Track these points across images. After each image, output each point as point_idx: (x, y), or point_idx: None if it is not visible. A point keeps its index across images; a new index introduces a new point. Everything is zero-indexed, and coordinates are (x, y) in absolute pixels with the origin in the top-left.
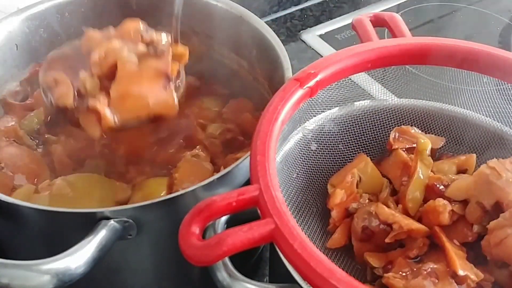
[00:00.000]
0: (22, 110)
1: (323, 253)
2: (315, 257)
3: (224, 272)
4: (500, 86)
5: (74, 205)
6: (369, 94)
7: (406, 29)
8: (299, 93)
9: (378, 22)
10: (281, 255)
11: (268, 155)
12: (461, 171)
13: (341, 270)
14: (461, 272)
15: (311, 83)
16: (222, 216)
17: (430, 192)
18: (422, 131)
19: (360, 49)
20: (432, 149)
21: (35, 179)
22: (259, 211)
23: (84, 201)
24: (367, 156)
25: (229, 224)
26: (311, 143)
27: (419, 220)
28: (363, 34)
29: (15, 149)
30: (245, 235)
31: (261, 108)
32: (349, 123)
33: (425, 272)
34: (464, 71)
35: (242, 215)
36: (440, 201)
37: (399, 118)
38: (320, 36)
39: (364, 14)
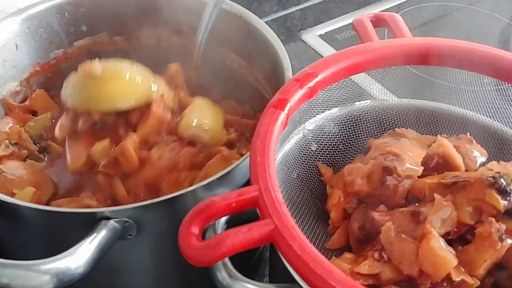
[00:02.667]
0: (21, 112)
1: (323, 253)
2: (314, 258)
3: (224, 272)
4: (500, 86)
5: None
6: (369, 94)
7: (406, 29)
8: (299, 93)
9: (379, 22)
10: (281, 256)
11: (268, 155)
12: None
13: (340, 271)
14: (456, 279)
15: (311, 83)
16: (222, 217)
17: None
18: (421, 131)
19: (360, 50)
20: None
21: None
22: (258, 212)
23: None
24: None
25: (229, 224)
26: (311, 143)
27: None
28: (364, 34)
29: (16, 163)
30: (245, 236)
31: (261, 108)
32: (349, 123)
33: None
34: (464, 71)
35: (242, 215)
36: None
37: (399, 118)
38: (320, 36)
39: (364, 14)
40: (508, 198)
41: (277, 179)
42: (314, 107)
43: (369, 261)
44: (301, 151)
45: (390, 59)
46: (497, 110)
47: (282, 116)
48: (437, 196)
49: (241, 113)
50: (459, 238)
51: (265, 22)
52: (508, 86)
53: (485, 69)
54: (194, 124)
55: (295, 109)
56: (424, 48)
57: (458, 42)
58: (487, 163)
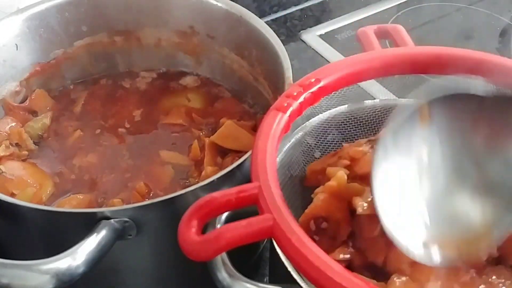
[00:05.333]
0: (22, 112)
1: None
2: (313, 251)
3: (224, 272)
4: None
5: None
6: (369, 94)
7: (409, 40)
8: (302, 98)
9: (382, 34)
10: (280, 254)
11: (269, 154)
12: None
13: (338, 264)
14: None
15: (314, 88)
16: (221, 213)
17: None
18: None
19: (364, 58)
20: None
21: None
22: (258, 208)
23: None
24: None
25: (231, 221)
26: (314, 150)
27: None
28: (367, 45)
29: (16, 164)
30: (244, 230)
31: (261, 108)
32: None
33: None
34: None
35: (244, 214)
36: None
37: None
38: (320, 36)
39: (368, 26)
40: None
41: (277, 176)
42: (317, 113)
43: (341, 248)
44: (301, 151)
45: (394, 68)
46: None
47: (284, 119)
48: None
49: (240, 112)
50: None
51: (265, 22)
52: None
53: (489, 78)
54: None
55: (298, 114)
56: (428, 57)
57: (463, 51)
58: None
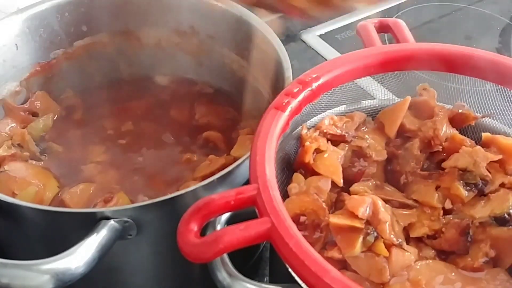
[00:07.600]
0: (22, 113)
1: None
2: (310, 256)
3: (224, 272)
4: (500, 86)
5: None
6: (369, 94)
7: (409, 35)
8: (301, 96)
9: (382, 28)
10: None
11: (268, 155)
12: None
13: (335, 269)
14: None
15: (313, 86)
16: (220, 215)
17: None
18: None
19: (363, 54)
20: None
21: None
22: (256, 210)
23: None
24: None
25: (230, 223)
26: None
27: None
28: (367, 39)
29: (19, 164)
30: (242, 233)
31: (262, 109)
32: None
33: None
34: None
35: (244, 216)
36: None
37: None
38: (320, 36)
39: (368, 20)
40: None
41: (275, 179)
42: (317, 111)
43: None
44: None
45: (393, 64)
46: (497, 110)
47: (283, 117)
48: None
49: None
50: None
51: (265, 22)
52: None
53: (487, 75)
54: None
55: (297, 112)
56: (428, 54)
57: (462, 48)
58: None
